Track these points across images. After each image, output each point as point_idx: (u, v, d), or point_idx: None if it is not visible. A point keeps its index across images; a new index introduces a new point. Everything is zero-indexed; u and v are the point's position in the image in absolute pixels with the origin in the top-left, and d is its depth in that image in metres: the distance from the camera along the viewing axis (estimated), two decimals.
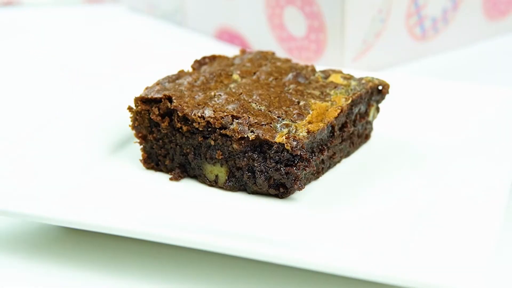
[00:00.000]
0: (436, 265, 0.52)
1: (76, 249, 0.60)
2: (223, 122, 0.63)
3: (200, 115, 0.64)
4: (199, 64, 0.75)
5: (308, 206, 0.63)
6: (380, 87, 0.71)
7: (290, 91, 0.69)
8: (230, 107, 0.65)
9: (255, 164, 0.63)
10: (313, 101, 0.67)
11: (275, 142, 0.62)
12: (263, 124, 0.63)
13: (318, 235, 0.58)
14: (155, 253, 0.59)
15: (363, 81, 0.70)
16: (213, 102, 0.66)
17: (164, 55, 0.90)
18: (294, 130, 0.63)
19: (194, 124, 0.64)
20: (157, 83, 0.70)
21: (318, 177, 0.67)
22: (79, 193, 0.64)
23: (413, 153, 0.70)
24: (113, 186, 0.66)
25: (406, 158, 0.70)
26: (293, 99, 0.67)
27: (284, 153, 0.62)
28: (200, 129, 0.64)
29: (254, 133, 0.62)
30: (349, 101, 0.67)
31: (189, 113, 0.65)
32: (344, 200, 0.63)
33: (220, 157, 0.64)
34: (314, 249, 0.56)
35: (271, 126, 0.63)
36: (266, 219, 0.61)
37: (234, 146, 0.63)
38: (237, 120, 0.63)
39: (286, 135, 0.62)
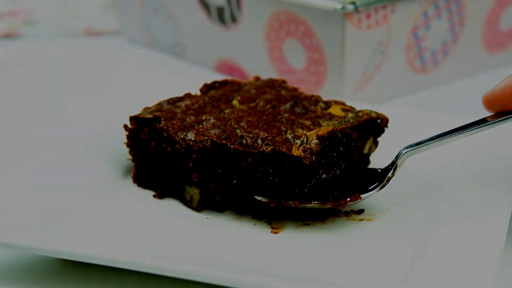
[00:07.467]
0: None
1: (75, 281, 0.59)
2: (201, 145, 0.64)
3: (182, 137, 0.66)
4: (207, 88, 0.76)
5: (303, 235, 0.62)
6: (378, 120, 0.71)
7: (282, 119, 0.68)
8: (213, 131, 0.66)
9: (271, 178, 0.63)
10: (301, 131, 0.66)
11: (292, 155, 0.62)
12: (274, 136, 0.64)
13: (318, 268, 0.58)
14: (156, 285, 0.59)
15: (360, 114, 0.70)
16: (200, 125, 0.67)
17: (164, 86, 0.90)
18: (305, 140, 0.63)
19: (176, 145, 0.66)
20: (158, 103, 0.72)
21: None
22: (74, 223, 0.64)
23: (412, 186, 0.70)
24: (109, 210, 0.67)
25: (404, 191, 0.69)
26: (282, 128, 0.67)
27: (296, 165, 0.62)
28: (182, 150, 0.65)
29: (268, 145, 0.63)
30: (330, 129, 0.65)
31: (173, 135, 0.66)
32: (342, 232, 0.63)
33: (195, 179, 0.65)
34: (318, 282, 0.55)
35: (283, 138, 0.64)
36: (251, 246, 0.61)
37: (249, 159, 0.63)
38: (248, 134, 0.64)
39: (302, 148, 0.62)
